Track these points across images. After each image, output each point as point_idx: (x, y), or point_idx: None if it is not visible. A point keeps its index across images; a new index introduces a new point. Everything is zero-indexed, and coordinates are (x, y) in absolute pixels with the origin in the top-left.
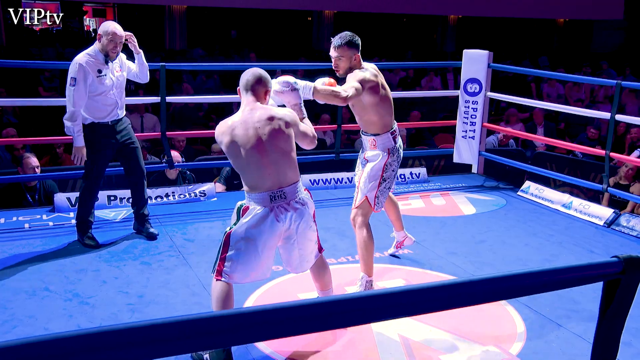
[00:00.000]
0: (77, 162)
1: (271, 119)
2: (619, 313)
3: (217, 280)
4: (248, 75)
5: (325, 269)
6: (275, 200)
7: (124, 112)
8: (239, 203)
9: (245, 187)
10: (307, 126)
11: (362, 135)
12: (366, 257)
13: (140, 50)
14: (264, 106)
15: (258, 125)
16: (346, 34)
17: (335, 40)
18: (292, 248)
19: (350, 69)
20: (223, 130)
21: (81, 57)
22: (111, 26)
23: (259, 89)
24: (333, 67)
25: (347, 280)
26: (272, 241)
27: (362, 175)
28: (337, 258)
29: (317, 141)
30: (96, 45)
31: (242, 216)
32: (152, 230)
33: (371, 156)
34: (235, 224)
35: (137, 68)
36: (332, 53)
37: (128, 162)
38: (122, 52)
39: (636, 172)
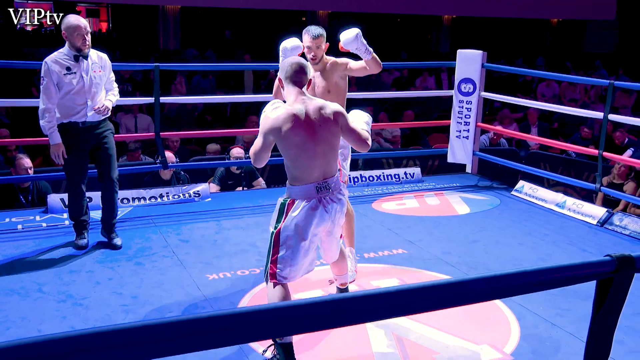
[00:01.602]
0: (56, 160)
1: (323, 109)
2: (611, 311)
3: (273, 284)
4: (293, 65)
5: (343, 253)
6: (321, 192)
7: (102, 116)
8: (282, 199)
9: (290, 179)
10: (360, 127)
11: None
12: (352, 231)
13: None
14: (314, 97)
15: (314, 116)
16: (317, 26)
17: (314, 31)
18: (331, 240)
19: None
20: (283, 117)
21: (49, 56)
22: (72, 19)
23: (304, 79)
24: (311, 57)
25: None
26: (319, 233)
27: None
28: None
29: (370, 145)
30: (66, 44)
31: (288, 211)
32: (116, 240)
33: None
34: (278, 222)
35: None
36: (312, 43)
37: (100, 167)
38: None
39: (629, 170)
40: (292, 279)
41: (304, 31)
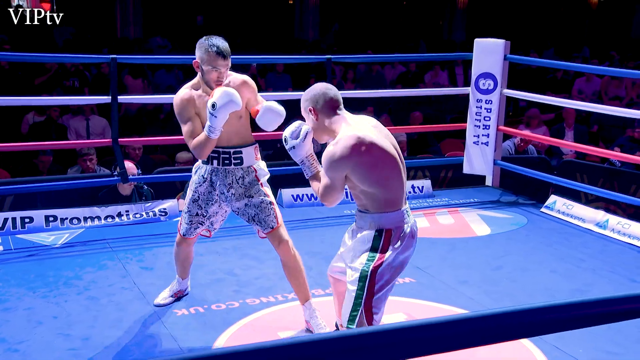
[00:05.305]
0: None
1: (376, 124)
2: None
3: None
4: (324, 90)
5: None
6: (408, 217)
7: None
8: (371, 232)
9: (379, 207)
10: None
11: (247, 148)
12: (304, 277)
13: None
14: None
15: (379, 129)
16: (220, 38)
17: (225, 48)
18: None
19: None
20: (370, 133)
21: None
22: None
23: (339, 98)
24: (217, 81)
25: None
26: None
27: (268, 191)
28: (325, 289)
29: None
30: None
31: (386, 243)
32: None
33: (263, 170)
34: (372, 256)
35: None
36: (222, 63)
37: None
38: None
39: None
40: (380, 321)
41: (206, 46)
